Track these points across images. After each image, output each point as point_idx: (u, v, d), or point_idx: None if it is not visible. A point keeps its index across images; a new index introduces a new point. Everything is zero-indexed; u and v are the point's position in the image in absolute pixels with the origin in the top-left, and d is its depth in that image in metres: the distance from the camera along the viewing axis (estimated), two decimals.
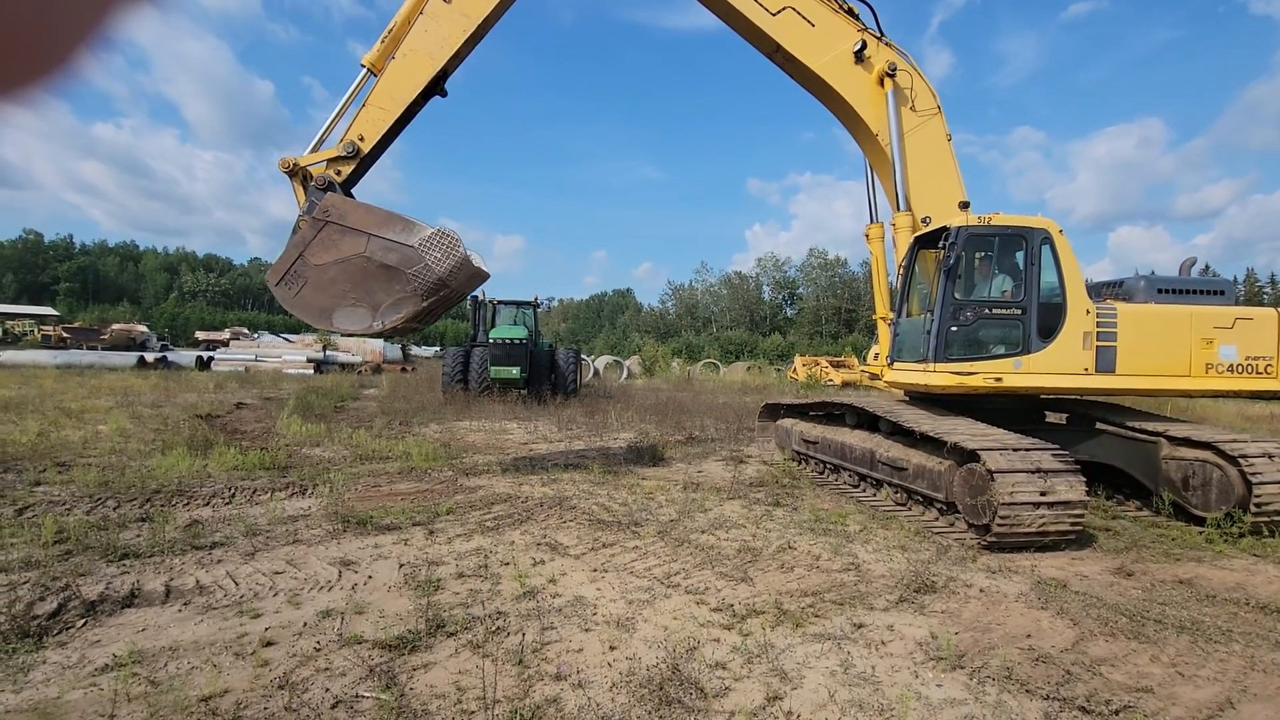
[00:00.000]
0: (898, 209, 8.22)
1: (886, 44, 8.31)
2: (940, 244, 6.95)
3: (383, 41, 7.55)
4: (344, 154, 7.40)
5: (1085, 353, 6.88)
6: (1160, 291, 7.35)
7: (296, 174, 7.34)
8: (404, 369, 34.11)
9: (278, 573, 4.71)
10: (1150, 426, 6.97)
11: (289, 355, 31.37)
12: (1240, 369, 7.09)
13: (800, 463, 9.50)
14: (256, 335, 41.41)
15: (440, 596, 4.33)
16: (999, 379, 6.76)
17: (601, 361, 36.21)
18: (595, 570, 4.93)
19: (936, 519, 6.48)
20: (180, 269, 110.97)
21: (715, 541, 5.73)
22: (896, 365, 7.77)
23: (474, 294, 21.06)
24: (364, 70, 7.55)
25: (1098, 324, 6.92)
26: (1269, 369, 7.13)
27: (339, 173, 7.43)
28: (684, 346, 59.23)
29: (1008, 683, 3.37)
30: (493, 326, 19.47)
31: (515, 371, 17.41)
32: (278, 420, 12.47)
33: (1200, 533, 6.23)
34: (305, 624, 3.86)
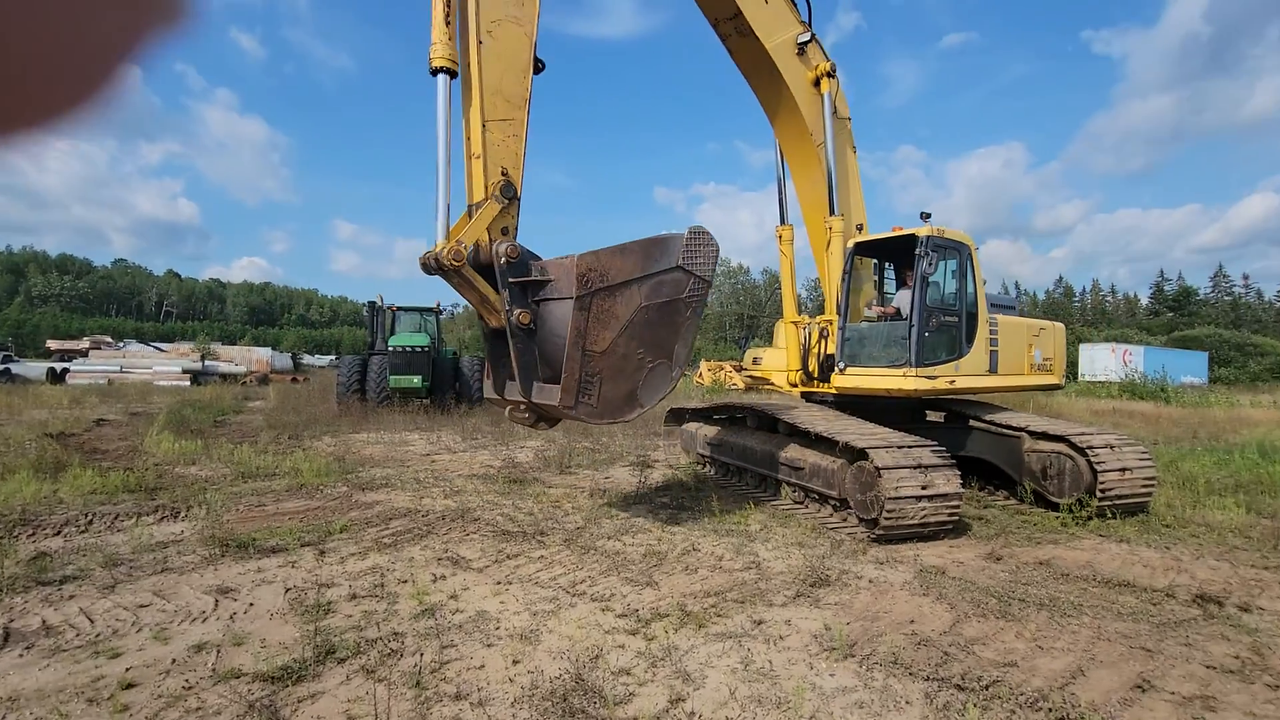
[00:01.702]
0: (830, 213, 8.35)
1: (820, 46, 8.40)
2: (918, 251, 7.22)
3: (447, 22, 5.49)
4: (504, 200, 5.55)
5: (986, 356, 7.73)
6: (992, 306, 8.32)
7: (460, 262, 5.29)
8: (294, 379, 32.08)
9: (142, 606, 4.28)
10: (1015, 422, 7.66)
11: (160, 366, 28.72)
12: (1041, 368, 8.60)
13: (705, 466, 9.71)
14: (122, 344, 37.54)
15: (330, 620, 4.09)
16: (952, 381, 7.34)
17: None
18: (499, 583, 4.82)
19: (831, 515, 6.81)
20: (28, 270, 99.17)
21: (621, 547, 5.75)
22: (851, 370, 7.81)
23: (372, 300, 20.18)
24: (442, 77, 5.43)
25: (990, 331, 7.77)
26: (1052, 367, 8.77)
27: (506, 231, 5.62)
28: None
29: (893, 667, 3.58)
30: (392, 334, 18.66)
31: (417, 380, 16.79)
32: (145, 437, 11.37)
33: (1056, 517, 6.90)
34: (174, 661, 3.53)
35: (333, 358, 51.30)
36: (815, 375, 8.36)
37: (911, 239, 7.38)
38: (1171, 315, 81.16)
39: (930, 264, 7.12)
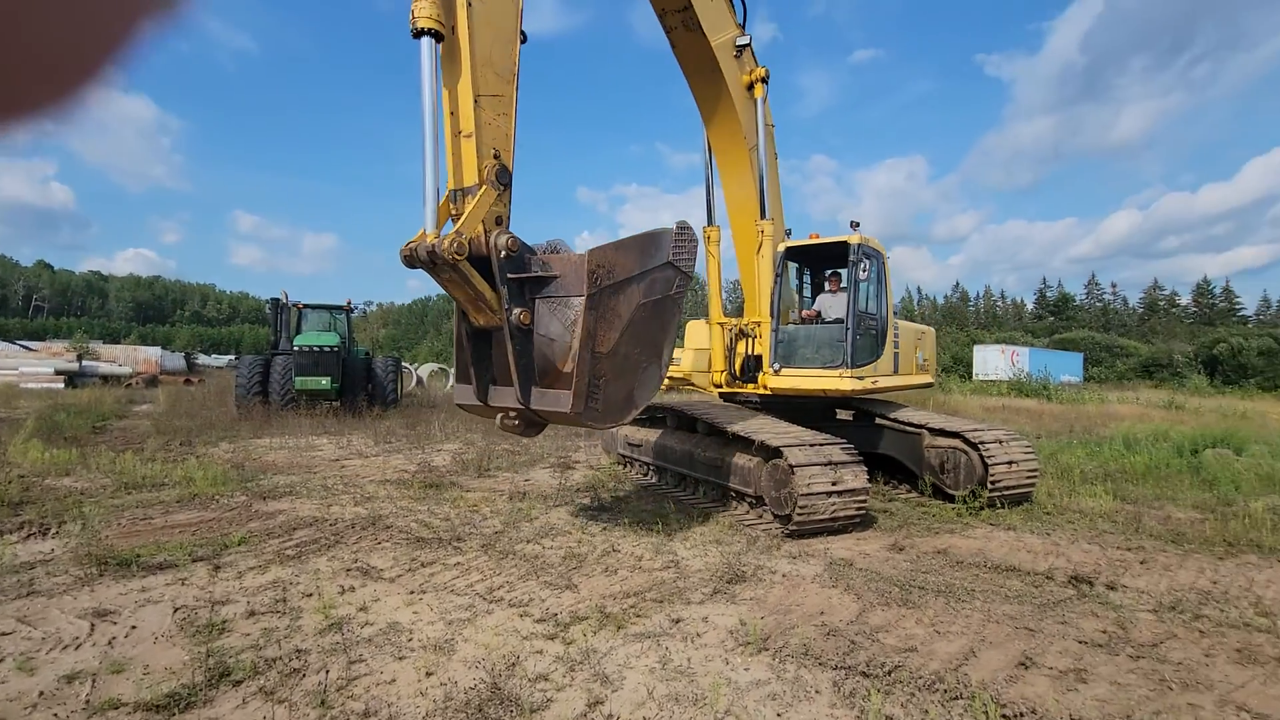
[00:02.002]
0: (761, 216, 8.46)
1: (753, 52, 8.48)
2: (851, 258, 7.65)
3: None
4: (499, 187, 5.05)
5: (892, 358, 8.30)
6: None
7: (462, 255, 4.80)
8: (188, 381, 29.85)
9: (3, 634, 3.86)
10: (916, 419, 8.13)
11: (29, 367, 25.96)
12: (922, 368, 9.52)
13: (626, 465, 9.75)
14: None
15: (226, 640, 3.82)
16: (875, 382, 7.82)
17: (425, 369, 34.44)
18: (412, 592, 4.66)
19: (747, 512, 6.99)
20: None
21: (541, 551, 5.69)
22: (786, 371, 8.00)
23: (276, 296, 19.04)
24: (427, 40, 4.80)
25: (894, 334, 8.31)
26: (928, 367, 9.83)
27: (499, 220, 5.11)
28: None
29: (804, 658, 3.72)
30: (298, 332, 17.68)
31: (325, 382, 15.99)
32: (9, 446, 10.25)
33: (953, 508, 7.37)
34: (42, 693, 3.20)
35: (232, 358, 48.01)
36: (739, 376, 8.54)
37: (840, 245, 7.83)
38: (1052, 319, 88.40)
39: (865, 270, 7.55)
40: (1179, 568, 5.52)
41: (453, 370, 37.16)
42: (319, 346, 16.13)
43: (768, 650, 3.82)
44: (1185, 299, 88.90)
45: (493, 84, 5.14)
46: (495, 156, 5.09)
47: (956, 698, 3.31)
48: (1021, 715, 3.15)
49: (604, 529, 6.44)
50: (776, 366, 8.04)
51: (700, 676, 3.49)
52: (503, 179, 5.09)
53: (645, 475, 9.15)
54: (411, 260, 4.98)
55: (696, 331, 9.47)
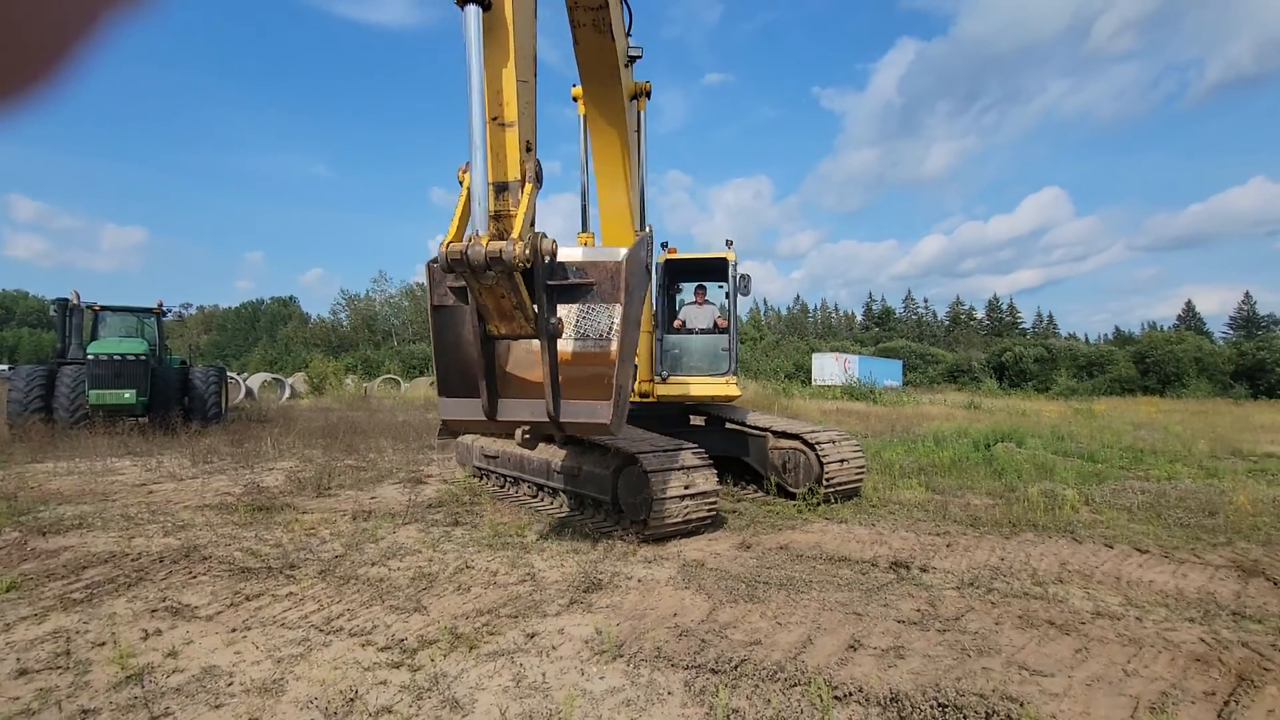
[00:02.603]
0: (640, 226, 8.47)
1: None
2: (731, 272, 8.31)
3: None
4: (537, 181, 4.70)
5: (737, 365, 8.88)
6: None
7: (529, 262, 4.36)
8: None
9: None
10: (761, 423, 8.67)
11: None
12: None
13: (481, 478, 9.46)
14: None
15: None
16: (741, 387, 8.38)
17: (256, 380, 31.25)
18: (234, 630, 4.18)
19: (605, 520, 7.05)
20: None
21: (387, 573, 5.35)
22: (672, 379, 8.28)
23: (64, 297, 16.35)
24: (473, 9, 4.30)
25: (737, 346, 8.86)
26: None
27: (532, 222, 4.70)
28: (360, 361, 54.54)
29: (657, 661, 3.80)
30: (94, 338, 15.31)
31: (129, 395, 13.99)
32: None
33: (794, 505, 7.93)
34: None
35: (4, 368, 40.44)
36: None
37: (716, 261, 8.51)
38: (877, 330, 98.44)
39: (744, 285, 8.11)
40: (976, 548, 6.33)
41: (288, 380, 33.81)
42: (120, 355, 14.09)
43: (623, 657, 3.86)
44: (981, 313, 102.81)
45: (524, 68, 4.72)
46: (528, 146, 4.73)
47: (795, 684, 3.55)
48: (850, 694, 3.45)
49: (457, 545, 6.19)
50: (664, 374, 8.32)
51: (555, 690, 3.45)
52: (540, 177, 4.80)
53: (502, 487, 8.93)
54: (460, 263, 4.38)
55: None
